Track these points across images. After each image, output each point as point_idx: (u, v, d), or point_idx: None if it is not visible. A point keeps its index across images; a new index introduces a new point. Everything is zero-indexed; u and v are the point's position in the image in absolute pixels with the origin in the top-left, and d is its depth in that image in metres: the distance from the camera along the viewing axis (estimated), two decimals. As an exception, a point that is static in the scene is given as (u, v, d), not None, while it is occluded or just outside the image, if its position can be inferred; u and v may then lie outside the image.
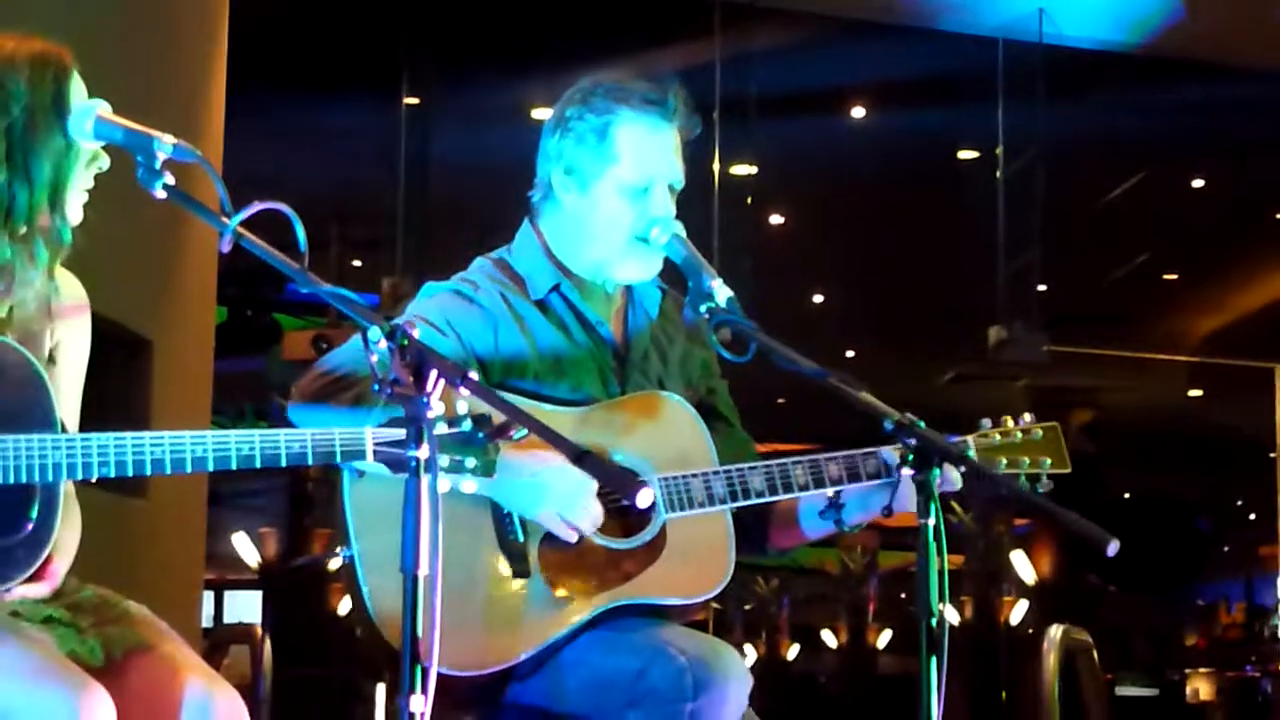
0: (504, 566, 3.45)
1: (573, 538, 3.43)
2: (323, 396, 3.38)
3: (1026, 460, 3.72)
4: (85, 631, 2.94)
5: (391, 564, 3.33)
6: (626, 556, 3.51)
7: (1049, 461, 3.74)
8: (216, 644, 6.07)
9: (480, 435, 2.84)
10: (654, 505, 3.48)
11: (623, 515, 3.54)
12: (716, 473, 3.56)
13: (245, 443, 2.89)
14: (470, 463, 2.87)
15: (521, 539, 3.45)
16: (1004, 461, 3.70)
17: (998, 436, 3.73)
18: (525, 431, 2.81)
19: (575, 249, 3.70)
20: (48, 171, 3.00)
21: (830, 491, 3.64)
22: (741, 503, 3.57)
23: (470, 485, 2.92)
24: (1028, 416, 3.78)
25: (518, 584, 3.44)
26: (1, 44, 3.04)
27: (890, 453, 3.58)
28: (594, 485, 3.41)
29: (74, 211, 3.06)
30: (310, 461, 2.92)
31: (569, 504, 3.41)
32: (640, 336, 3.75)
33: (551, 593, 3.45)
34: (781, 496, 3.61)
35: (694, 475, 3.54)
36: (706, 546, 3.56)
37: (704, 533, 3.56)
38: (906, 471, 3.20)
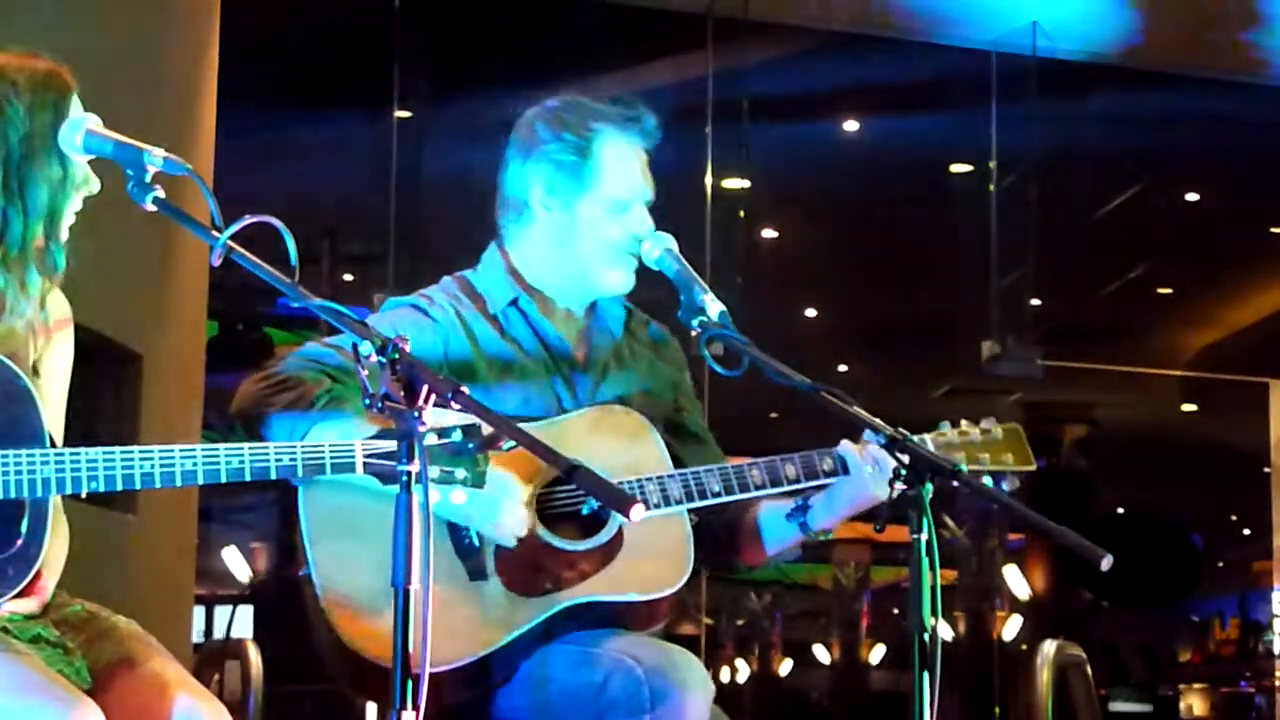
0: (460, 570, 3.47)
1: (503, 540, 3.45)
2: (258, 401, 3.41)
3: (986, 457, 3.73)
4: (72, 652, 2.92)
5: (345, 570, 3.36)
6: (583, 558, 3.54)
7: (1011, 458, 3.74)
8: (207, 659, 6.05)
9: (470, 446, 2.83)
10: (612, 509, 3.50)
11: (580, 518, 3.58)
12: (672, 475, 3.60)
13: (234, 456, 2.89)
14: (460, 474, 2.87)
15: (478, 544, 3.49)
16: (963, 458, 3.69)
17: (955, 436, 3.73)
18: (514, 443, 2.81)
19: (552, 265, 3.74)
20: (44, 199, 2.99)
21: (788, 488, 3.66)
22: (698, 503, 3.60)
23: (460, 496, 2.92)
24: (988, 420, 3.78)
25: (475, 586, 3.47)
26: (3, 65, 3.02)
27: (847, 449, 3.61)
28: (518, 495, 3.43)
29: (62, 235, 3.05)
30: (300, 474, 2.92)
31: (486, 517, 3.43)
32: (602, 353, 3.79)
33: (508, 594, 3.48)
34: (738, 497, 3.65)
35: (649, 479, 3.57)
36: (663, 546, 3.59)
37: (660, 533, 3.58)
38: (900, 486, 3.20)
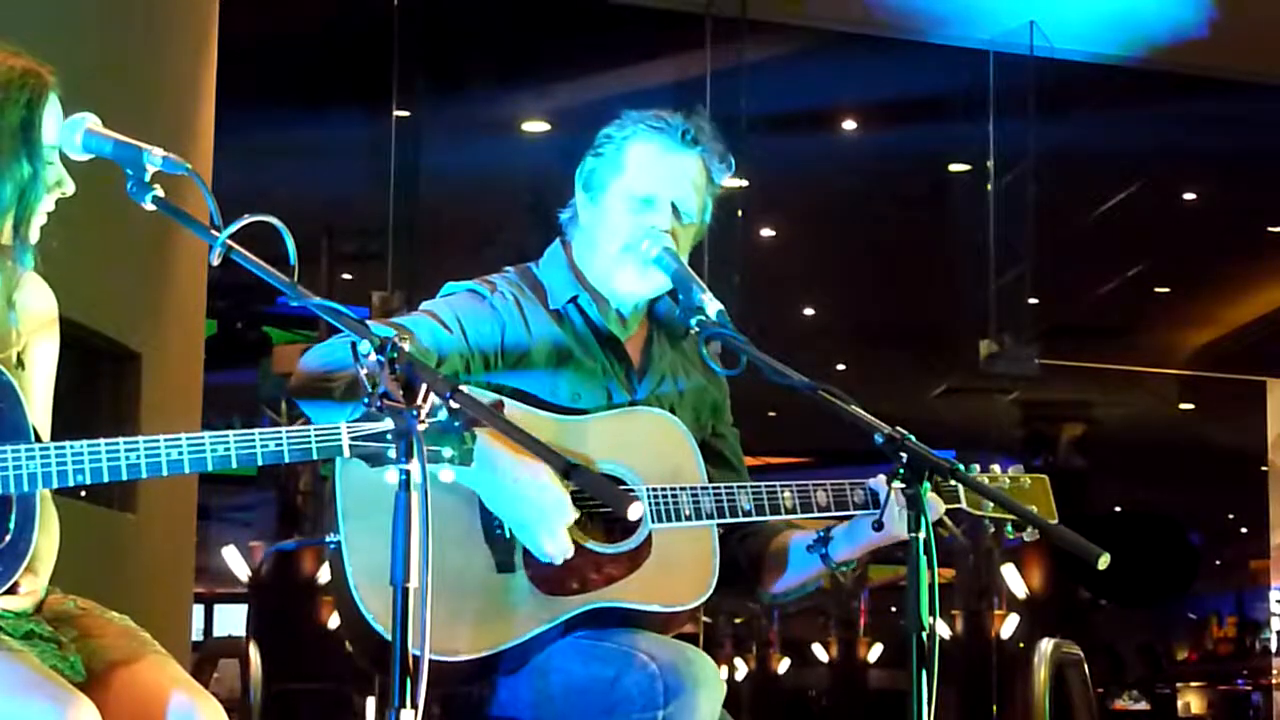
0: (488, 560, 3.47)
1: (544, 556, 3.45)
2: (319, 394, 3.40)
3: None
4: (66, 647, 2.91)
5: (377, 546, 3.34)
6: (610, 561, 3.54)
7: (1034, 510, 3.73)
8: (206, 658, 6.06)
9: (457, 424, 2.82)
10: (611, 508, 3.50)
11: (611, 520, 3.57)
12: (705, 489, 3.60)
13: (220, 443, 2.85)
14: (447, 452, 2.84)
15: (508, 536, 3.48)
16: (989, 507, 3.70)
17: (984, 481, 3.73)
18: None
19: (589, 262, 3.76)
20: (9, 196, 2.96)
21: (817, 515, 3.67)
22: (728, 520, 3.61)
23: (448, 474, 2.90)
24: (1016, 468, 3.80)
25: (501, 578, 3.47)
26: None
27: (879, 484, 3.61)
28: (569, 511, 3.42)
29: (32, 235, 3.02)
30: (286, 459, 2.88)
31: (542, 526, 3.43)
32: (659, 363, 3.80)
33: (533, 590, 3.48)
34: (768, 518, 3.66)
35: (682, 489, 3.58)
36: (690, 560, 3.59)
37: (689, 546, 3.59)
38: (897, 484, 3.20)
